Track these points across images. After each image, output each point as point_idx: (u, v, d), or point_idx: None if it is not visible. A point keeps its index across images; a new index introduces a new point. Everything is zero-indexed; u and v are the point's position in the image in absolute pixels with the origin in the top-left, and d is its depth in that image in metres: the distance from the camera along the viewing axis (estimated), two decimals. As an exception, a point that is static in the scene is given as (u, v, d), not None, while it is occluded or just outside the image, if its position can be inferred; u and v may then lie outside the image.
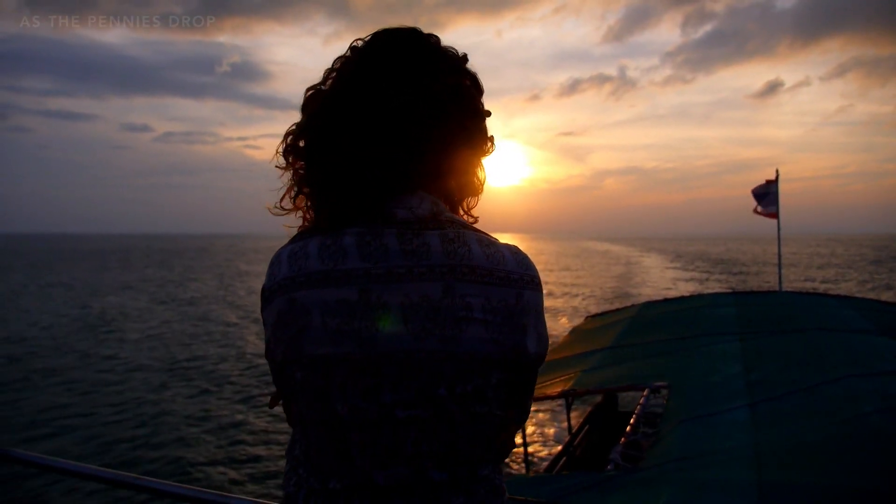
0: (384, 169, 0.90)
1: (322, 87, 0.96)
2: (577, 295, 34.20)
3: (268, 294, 0.94)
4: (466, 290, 0.88)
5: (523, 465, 7.28)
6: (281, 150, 0.98)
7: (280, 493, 1.00)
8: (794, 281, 38.17)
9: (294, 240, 0.95)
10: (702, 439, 3.81)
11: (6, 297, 31.83)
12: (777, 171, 11.48)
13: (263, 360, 0.98)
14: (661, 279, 44.41)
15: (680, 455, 3.59)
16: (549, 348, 1.10)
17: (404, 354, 0.87)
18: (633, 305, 10.67)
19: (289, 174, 0.99)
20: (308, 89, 0.97)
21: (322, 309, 0.87)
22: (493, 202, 1.09)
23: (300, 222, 1.01)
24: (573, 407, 8.30)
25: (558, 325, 21.11)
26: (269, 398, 1.07)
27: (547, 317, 0.99)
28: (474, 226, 0.99)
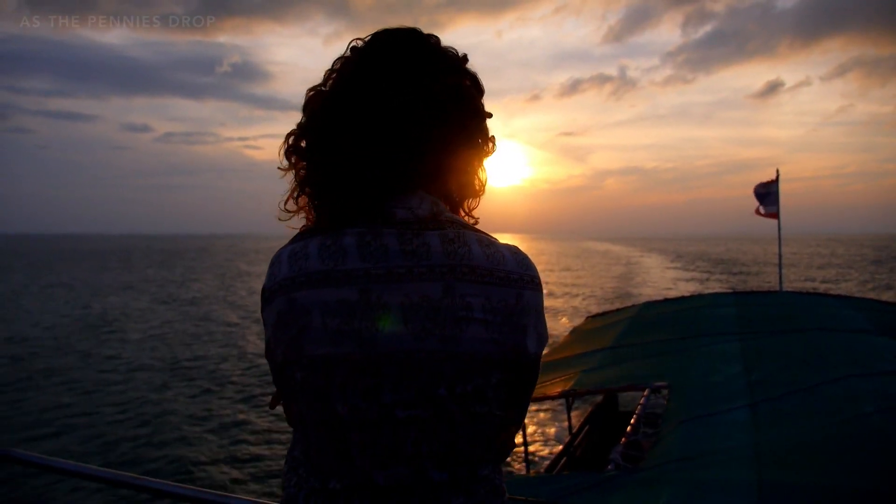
0: (384, 169, 0.90)
1: (322, 88, 0.97)
2: (577, 295, 34.20)
3: (268, 294, 0.94)
4: (466, 290, 0.88)
5: (524, 465, 7.28)
6: (283, 150, 0.99)
7: (281, 492, 1.00)
8: (795, 281, 38.15)
9: (294, 240, 0.95)
10: (702, 439, 3.81)
11: (7, 298, 31.86)
12: (777, 171, 11.48)
13: (264, 361, 0.99)
14: (661, 279, 44.39)
15: (680, 455, 3.59)
16: (550, 348, 1.10)
17: (404, 354, 0.87)
18: (633, 305, 10.67)
19: (291, 176, 0.99)
20: (309, 90, 0.98)
21: (322, 309, 0.87)
22: (493, 202, 1.10)
23: (304, 223, 1.01)
24: (574, 407, 8.30)
25: (559, 325, 21.12)
26: (270, 398, 1.08)
27: (547, 317, 0.99)
28: (475, 226, 0.99)
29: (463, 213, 1.04)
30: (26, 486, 8.12)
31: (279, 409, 1.05)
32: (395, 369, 0.87)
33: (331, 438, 0.90)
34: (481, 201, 1.05)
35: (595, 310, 17.93)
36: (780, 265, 11.46)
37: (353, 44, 0.97)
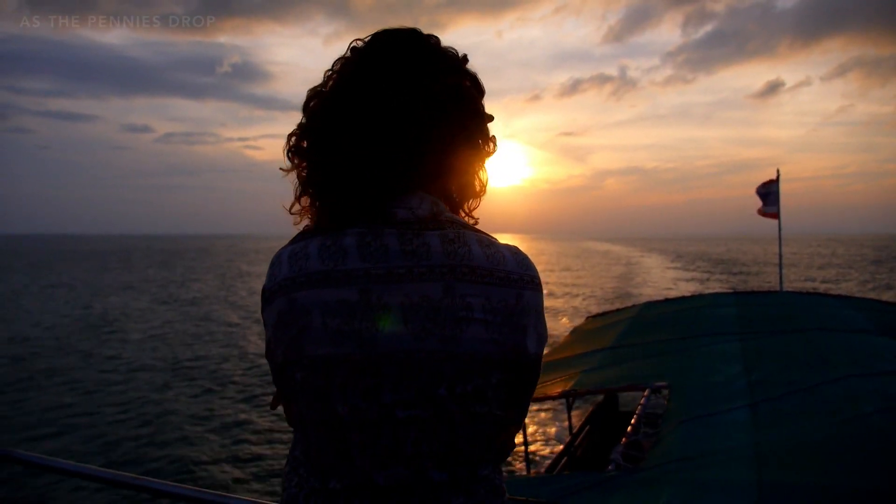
0: (384, 169, 0.90)
1: (323, 88, 0.97)
2: (577, 295, 34.19)
3: (268, 295, 0.94)
4: (466, 291, 0.88)
5: (524, 465, 7.28)
6: (285, 151, 0.99)
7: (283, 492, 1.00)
8: (795, 281, 38.13)
9: (294, 240, 0.96)
10: (702, 439, 3.81)
11: (8, 298, 31.88)
12: (778, 171, 11.48)
13: (265, 361, 0.99)
14: (661, 279, 44.38)
15: (681, 455, 3.59)
16: (550, 349, 1.10)
17: (404, 354, 0.87)
18: (633, 306, 10.66)
19: (293, 176, 0.99)
20: (309, 91, 0.98)
21: (322, 309, 0.87)
22: (493, 202, 1.10)
23: (308, 222, 1.01)
24: (574, 407, 8.30)
25: (559, 325, 21.11)
26: (271, 398, 1.08)
27: (548, 317, 0.99)
28: (475, 226, 0.99)
29: (463, 214, 1.04)
30: (27, 487, 8.13)
31: (281, 408, 1.06)
32: (396, 369, 0.87)
33: (331, 438, 0.90)
34: (482, 201, 1.05)
35: (595, 310, 17.93)
36: (780, 265, 11.45)
37: (353, 44, 0.97)
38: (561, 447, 7.17)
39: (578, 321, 12.15)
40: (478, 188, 1.03)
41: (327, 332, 0.87)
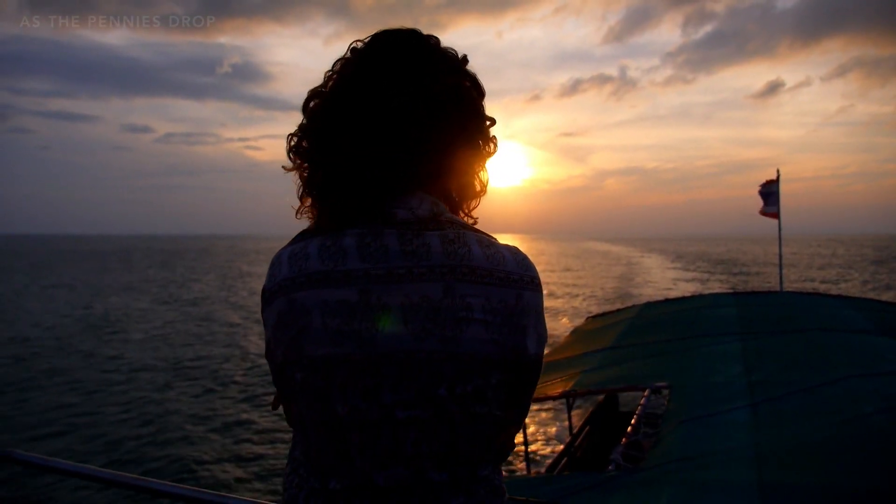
0: (384, 169, 0.90)
1: (323, 89, 0.97)
2: (577, 295, 34.19)
3: (268, 295, 0.94)
4: (466, 291, 0.88)
5: (524, 465, 7.28)
6: (286, 152, 0.99)
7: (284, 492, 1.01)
8: (795, 281, 38.12)
9: (294, 241, 0.96)
10: (703, 440, 3.81)
11: (9, 298, 31.89)
12: (778, 171, 11.48)
13: (266, 361, 0.99)
14: (661, 279, 44.37)
15: (681, 455, 3.59)
16: (550, 349, 1.10)
17: (404, 355, 0.87)
18: (633, 306, 10.66)
19: (294, 177, 0.99)
20: (310, 91, 0.98)
21: (322, 309, 0.87)
22: (493, 203, 1.10)
23: (309, 222, 1.01)
24: (574, 407, 8.31)
25: (559, 326, 21.12)
26: (272, 398, 1.08)
27: (548, 317, 0.99)
28: (474, 226, 0.99)
29: (462, 214, 1.04)
30: (27, 487, 8.13)
31: (282, 408, 1.06)
32: (395, 370, 0.87)
33: (331, 439, 0.90)
34: (481, 202, 1.05)
35: (595, 310, 17.93)
36: (780, 265, 11.45)
37: (353, 45, 0.97)
38: (561, 447, 7.17)
39: (578, 321, 12.16)
40: (478, 188, 1.03)
41: (327, 332, 0.87)
